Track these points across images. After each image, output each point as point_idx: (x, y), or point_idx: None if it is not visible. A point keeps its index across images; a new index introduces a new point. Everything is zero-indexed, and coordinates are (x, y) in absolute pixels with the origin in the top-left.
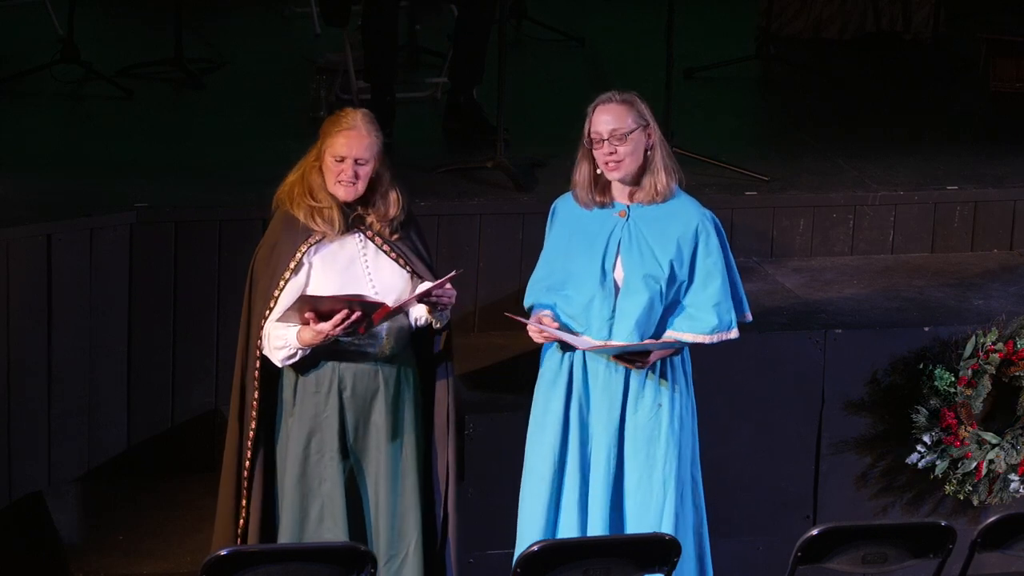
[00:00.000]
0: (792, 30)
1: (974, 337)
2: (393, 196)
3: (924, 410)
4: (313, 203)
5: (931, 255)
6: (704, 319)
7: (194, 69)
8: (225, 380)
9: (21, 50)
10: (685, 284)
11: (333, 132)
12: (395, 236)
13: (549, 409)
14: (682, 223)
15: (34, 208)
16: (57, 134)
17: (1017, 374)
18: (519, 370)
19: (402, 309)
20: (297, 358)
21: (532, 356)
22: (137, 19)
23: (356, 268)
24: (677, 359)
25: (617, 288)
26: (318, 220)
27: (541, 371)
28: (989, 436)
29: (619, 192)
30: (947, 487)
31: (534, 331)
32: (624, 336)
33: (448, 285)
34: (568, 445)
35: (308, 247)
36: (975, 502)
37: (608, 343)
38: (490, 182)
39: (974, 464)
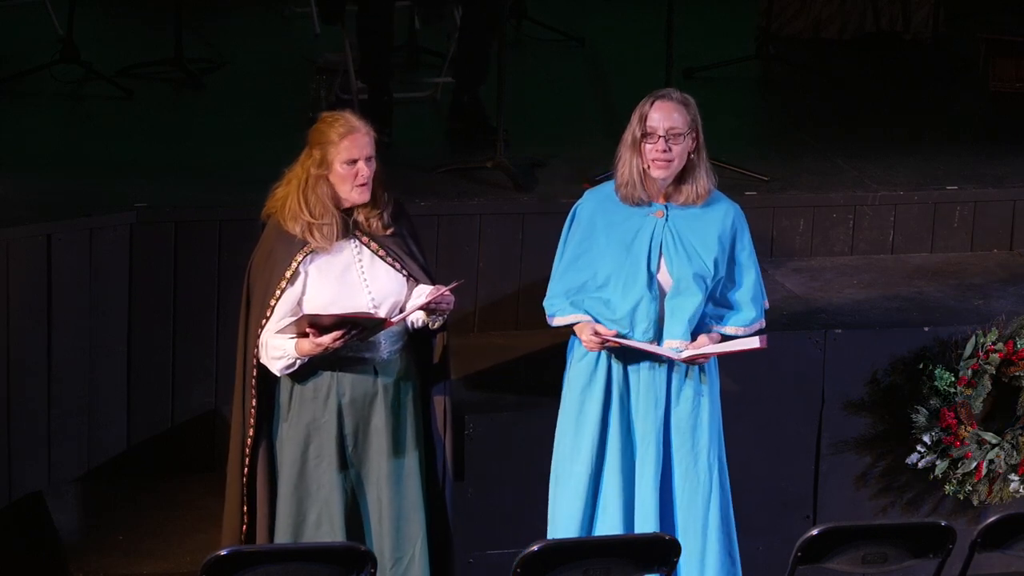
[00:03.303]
0: (792, 30)
1: (974, 337)
2: (381, 191)
3: (924, 410)
4: (311, 219)
5: (931, 255)
6: (745, 312)
7: (194, 69)
8: (225, 380)
9: (21, 50)
10: (724, 279)
11: (336, 139)
12: (388, 231)
13: (586, 410)
14: (719, 220)
15: (34, 208)
16: (57, 134)
17: (1017, 374)
18: (519, 370)
19: (403, 320)
20: (296, 367)
21: (532, 356)
22: (137, 19)
23: (352, 275)
24: None
25: (662, 290)
26: (316, 235)
27: (571, 374)
28: (989, 436)
29: (655, 192)
30: (947, 487)
31: (595, 342)
32: (679, 334)
33: (448, 294)
34: (607, 447)
35: (304, 256)
36: (975, 502)
37: (700, 353)
38: (490, 182)
39: (974, 464)
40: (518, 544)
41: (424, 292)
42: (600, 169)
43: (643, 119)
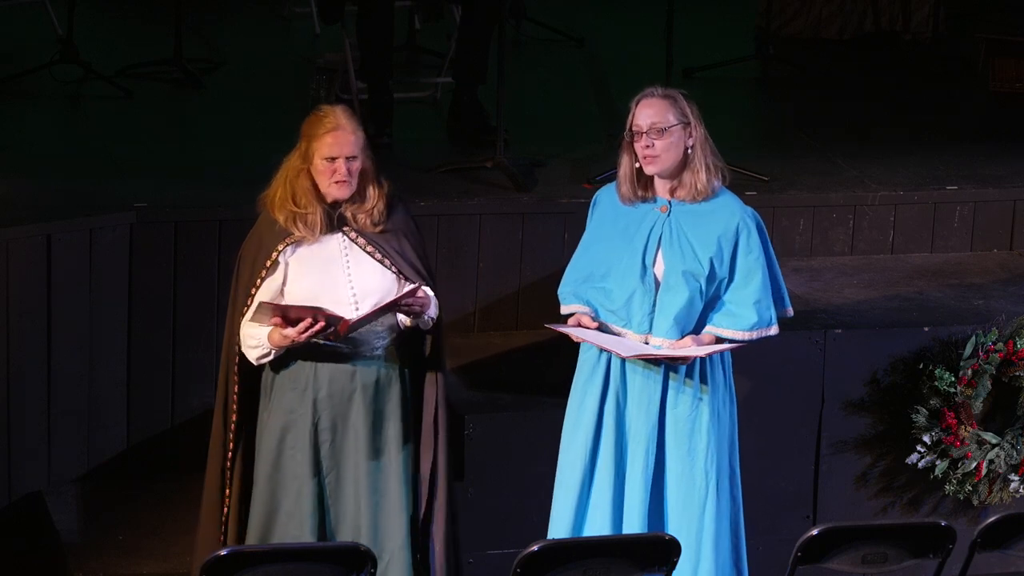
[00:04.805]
0: (792, 30)
1: (974, 337)
2: (372, 189)
3: (924, 410)
4: (296, 209)
5: (931, 255)
6: (744, 316)
7: (194, 69)
8: None
9: (21, 50)
10: (726, 281)
11: (319, 134)
12: (378, 228)
13: (584, 404)
14: (723, 220)
15: (34, 208)
16: (57, 134)
17: (1017, 374)
18: (519, 370)
19: (367, 321)
20: (271, 357)
21: (532, 357)
22: (137, 19)
23: (335, 269)
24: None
25: (658, 283)
26: (300, 225)
27: (578, 366)
28: (989, 436)
29: (661, 188)
30: (947, 487)
31: (574, 336)
32: (664, 331)
33: (420, 293)
34: (601, 441)
35: (285, 246)
36: (975, 502)
37: (647, 354)
38: (490, 182)
39: (974, 464)
40: (518, 544)
41: (385, 301)
42: (600, 169)
43: (631, 120)
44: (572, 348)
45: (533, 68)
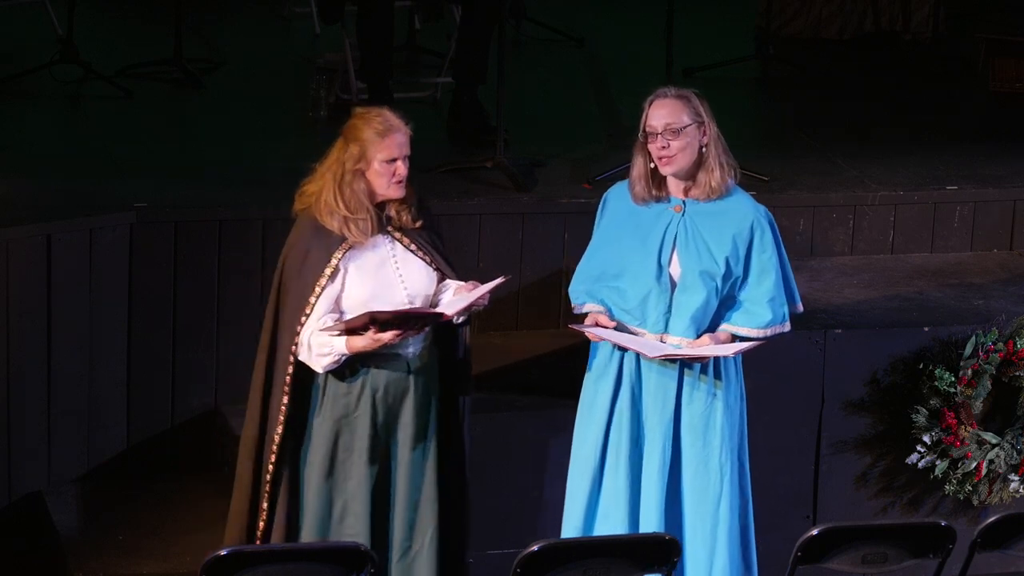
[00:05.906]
0: (792, 30)
1: (974, 337)
2: (409, 185)
3: (924, 410)
4: (348, 214)
5: (931, 255)
6: (759, 314)
7: (194, 69)
8: (225, 380)
9: (21, 50)
10: (740, 280)
11: (376, 138)
12: (417, 223)
13: (596, 401)
14: (737, 219)
15: (34, 208)
16: (57, 134)
17: (1017, 374)
18: (519, 370)
19: (456, 315)
20: (340, 364)
21: (532, 357)
22: (137, 19)
23: (387, 271)
24: None
25: (673, 283)
26: (353, 230)
27: (589, 363)
28: (989, 436)
29: (674, 187)
30: (947, 487)
31: (593, 334)
32: (680, 330)
33: (487, 293)
34: (612, 437)
35: (343, 253)
36: (975, 502)
37: (673, 354)
38: (490, 182)
39: (974, 464)
40: (518, 544)
41: (452, 286)
42: (600, 169)
43: (644, 121)
44: (571, 348)
45: (533, 68)
